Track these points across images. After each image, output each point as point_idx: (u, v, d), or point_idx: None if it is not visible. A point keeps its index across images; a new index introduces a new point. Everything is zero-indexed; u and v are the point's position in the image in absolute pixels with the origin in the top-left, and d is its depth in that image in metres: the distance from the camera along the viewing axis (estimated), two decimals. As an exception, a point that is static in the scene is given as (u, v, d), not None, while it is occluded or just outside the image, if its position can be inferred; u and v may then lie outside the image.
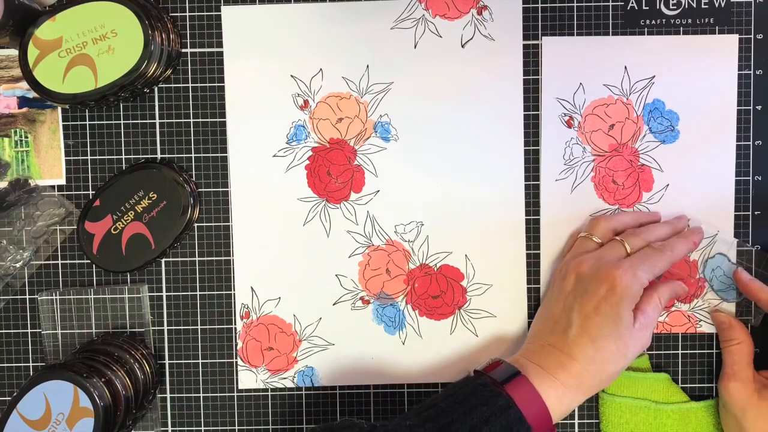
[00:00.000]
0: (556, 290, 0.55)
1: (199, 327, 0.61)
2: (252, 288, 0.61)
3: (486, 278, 0.61)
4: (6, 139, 0.60)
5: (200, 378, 0.61)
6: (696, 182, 0.60)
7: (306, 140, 0.60)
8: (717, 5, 0.59)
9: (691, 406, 0.59)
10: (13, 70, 0.60)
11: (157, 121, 0.60)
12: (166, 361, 0.61)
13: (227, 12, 0.60)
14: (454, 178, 0.60)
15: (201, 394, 0.61)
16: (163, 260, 0.61)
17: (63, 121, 0.60)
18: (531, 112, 0.60)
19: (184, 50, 0.60)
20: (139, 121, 0.60)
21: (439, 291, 0.61)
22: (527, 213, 0.61)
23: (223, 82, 0.60)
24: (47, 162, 0.60)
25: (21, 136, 0.60)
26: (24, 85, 0.59)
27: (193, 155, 0.61)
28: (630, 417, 0.59)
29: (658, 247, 0.54)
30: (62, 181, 0.61)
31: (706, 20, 0.59)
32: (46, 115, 0.60)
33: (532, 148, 0.60)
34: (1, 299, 0.61)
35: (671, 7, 0.59)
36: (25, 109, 0.60)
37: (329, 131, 0.60)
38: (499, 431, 0.47)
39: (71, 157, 0.60)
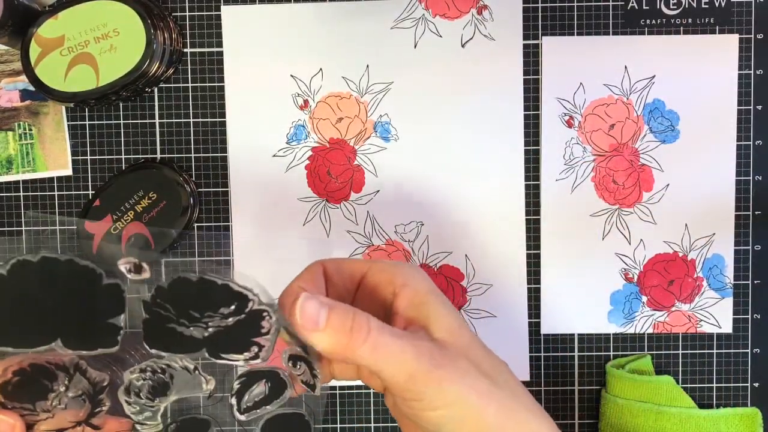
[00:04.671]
0: None
1: (198, 327, 0.61)
2: (252, 288, 0.61)
3: (486, 278, 0.61)
4: (10, 133, 0.60)
5: (200, 378, 0.61)
6: (696, 182, 0.60)
7: (306, 140, 0.60)
8: (717, 5, 0.59)
9: (692, 413, 0.58)
10: (14, 64, 0.60)
11: (157, 121, 0.60)
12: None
13: (227, 12, 0.60)
14: (454, 178, 0.60)
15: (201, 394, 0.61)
16: (163, 260, 0.61)
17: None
18: (531, 112, 0.60)
19: (184, 50, 0.60)
20: (139, 121, 0.60)
21: (439, 291, 0.61)
22: (527, 213, 0.61)
23: (223, 82, 0.60)
24: (52, 153, 0.60)
25: (25, 129, 0.60)
26: (26, 78, 0.59)
27: (193, 155, 0.61)
28: (630, 419, 0.59)
29: None
30: (69, 172, 0.61)
31: (707, 20, 0.59)
32: (49, 107, 0.60)
33: (532, 148, 0.60)
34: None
35: (671, 6, 0.59)
36: (27, 102, 0.60)
37: (329, 131, 0.60)
38: None
39: (71, 157, 0.60)
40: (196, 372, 0.39)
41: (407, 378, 0.35)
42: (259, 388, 0.39)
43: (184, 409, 0.41)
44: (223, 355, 0.38)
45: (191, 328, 0.37)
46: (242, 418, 0.39)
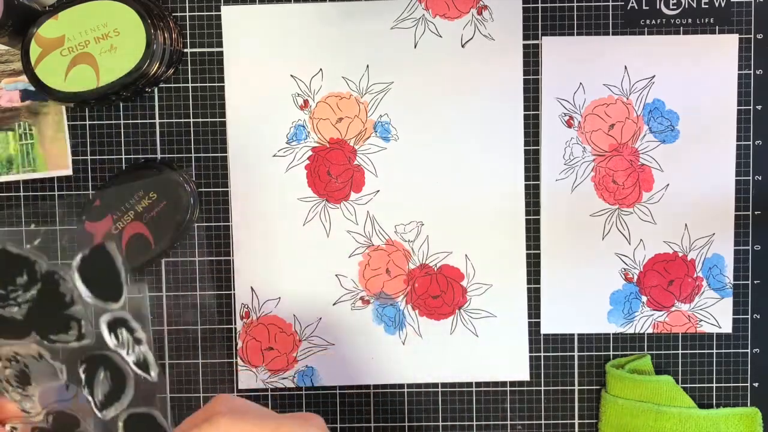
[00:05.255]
0: None
1: (199, 327, 0.61)
2: (252, 288, 0.61)
3: (486, 278, 0.61)
4: (10, 133, 0.60)
5: (200, 378, 0.61)
6: (696, 182, 0.60)
7: (306, 140, 0.60)
8: (717, 5, 0.59)
9: (692, 413, 0.58)
10: (14, 64, 0.60)
11: (157, 121, 0.60)
12: (166, 361, 0.61)
13: (227, 12, 0.60)
14: (454, 178, 0.60)
15: (201, 394, 0.61)
16: (163, 260, 0.61)
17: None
18: (531, 112, 0.60)
19: (184, 50, 0.60)
20: (139, 121, 0.60)
21: (439, 291, 0.61)
22: (527, 213, 0.61)
23: (223, 82, 0.60)
24: (53, 153, 0.60)
25: (25, 129, 0.60)
26: (26, 78, 0.59)
27: (193, 155, 0.61)
28: (630, 419, 0.59)
29: None
30: (69, 172, 0.61)
31: (706, 20, 0.59)
32: (49, 107, 0.60)
33: (532, 148, 0.60)
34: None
35: (671, 6, 0.59)
36: (27, 102, 0.60)
37: (329, 131, 0.60)
38: None
39: (71, 157, 0.60)
40: (44, 359, 0.37)
41: None
42: (102, 376, 0.38)
43: (58, 399, 0.40)
44: (53, 337, 0.37)
45: (6, 308, 0.36)
46: (105, 415, 0.38)
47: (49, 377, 0.38)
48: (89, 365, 0.38)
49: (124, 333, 0.37)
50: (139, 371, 0.38)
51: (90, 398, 0.38)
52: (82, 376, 0.38)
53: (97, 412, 0.38)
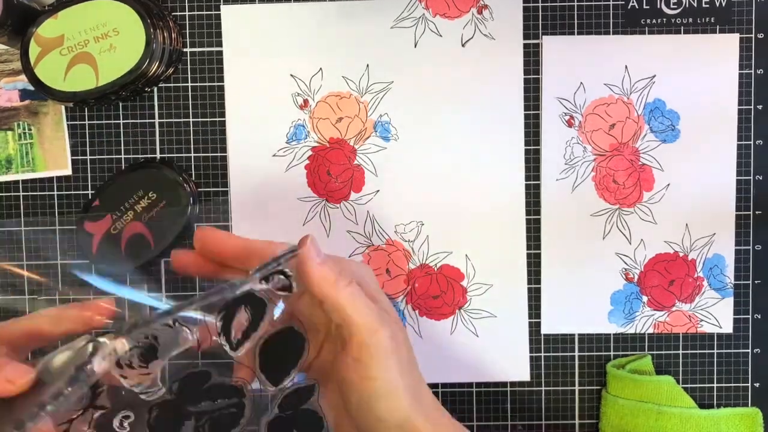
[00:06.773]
0: None
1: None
2: (252, 288, 0.61)
3: (486, 278, 0.61)
4: (9, 133, 0.60)
5: (200, 378, 0.61)
6: (696, 182, 0.60)
7: (306, 140, 0.60)
8: (718, 5, 0.59)
9: (693, 413, 0.58)
10: (14, 64, 0.60)
11: (157, 120, 0.60)
12: (166, 361, 0.61)
13: (227, 12, 0.60)
14: (454, 178, 0.60)
15: (200, 395, 0.61)
16: (163, 260, 0.61)
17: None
18: (531, 112, 0.60)
19: (184, 50, 0.60)
20: (138, 121, 0.60)
21: (439, 291, 0.61)
22: (527, 213, 0.60)
23: (223, 81, 0.60)
24: (52, 153, 0.60)
25: (24, 129, 0.60)
26: (25, 77, 0.59)
27: (193, 155, 0.61)
28: (630, 419, 0.59)
29: None
30: (68, 172, 0.61)
31: (707, 20, 0.59)
32: (48, 106, 0.60)
33: (532, 147, 0.60)
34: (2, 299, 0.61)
35: (672, 6, 0.59)
36: (27, 102, 0.60)
37: (329, 131, 0.60)
38: None
39: (71, 157, 0.60)
40: (177, 324, 0.38)
41: (370, 332, 0.39)
42: (241, 315, 0.40)
43: (181, 367, 0.40)
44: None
45: None
46: (239, 353, 0.40)
47: (177, 344, 0.39)
48: (228, 311, 0.39)
49: (274, 277, 0.40)
50: (281, 294, 0.40)
51: (224, 342, 0.39)
52: (218, 324, 0.39)
53: (231, 352, 0.39)
